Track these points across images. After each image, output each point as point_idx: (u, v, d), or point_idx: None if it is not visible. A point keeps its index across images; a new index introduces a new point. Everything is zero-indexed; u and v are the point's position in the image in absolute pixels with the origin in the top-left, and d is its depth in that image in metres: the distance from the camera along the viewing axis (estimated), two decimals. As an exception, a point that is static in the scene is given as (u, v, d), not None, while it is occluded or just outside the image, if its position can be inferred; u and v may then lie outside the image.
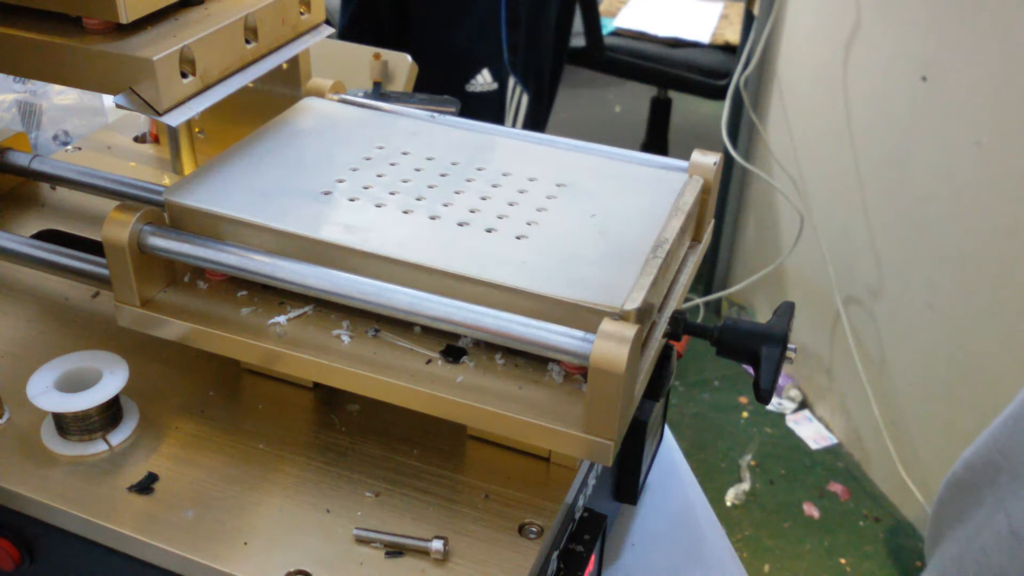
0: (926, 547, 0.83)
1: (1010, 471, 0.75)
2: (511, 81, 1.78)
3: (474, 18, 1.71)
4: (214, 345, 0.57)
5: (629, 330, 0.48)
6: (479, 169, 0.64)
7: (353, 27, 1.70)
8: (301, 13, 0.69)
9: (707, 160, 0.63)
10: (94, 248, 0.63)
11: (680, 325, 0.57)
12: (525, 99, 1.82)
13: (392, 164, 0.64)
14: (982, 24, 1.39)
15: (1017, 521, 0.73)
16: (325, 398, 0.61)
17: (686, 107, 2.80)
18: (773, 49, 1.90)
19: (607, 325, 0.48)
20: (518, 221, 0.58)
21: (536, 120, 1.88)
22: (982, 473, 0.78)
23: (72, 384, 0.57)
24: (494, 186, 0.62)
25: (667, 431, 0.78)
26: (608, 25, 2.30)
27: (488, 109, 1.73)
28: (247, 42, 0.64)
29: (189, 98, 0.60)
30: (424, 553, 0.51)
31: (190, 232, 0.58)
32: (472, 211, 0.59)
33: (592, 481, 0.60)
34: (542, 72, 1.86)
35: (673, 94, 2.37)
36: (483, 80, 1.71)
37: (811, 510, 1.74)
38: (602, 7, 2.36)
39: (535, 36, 1.77)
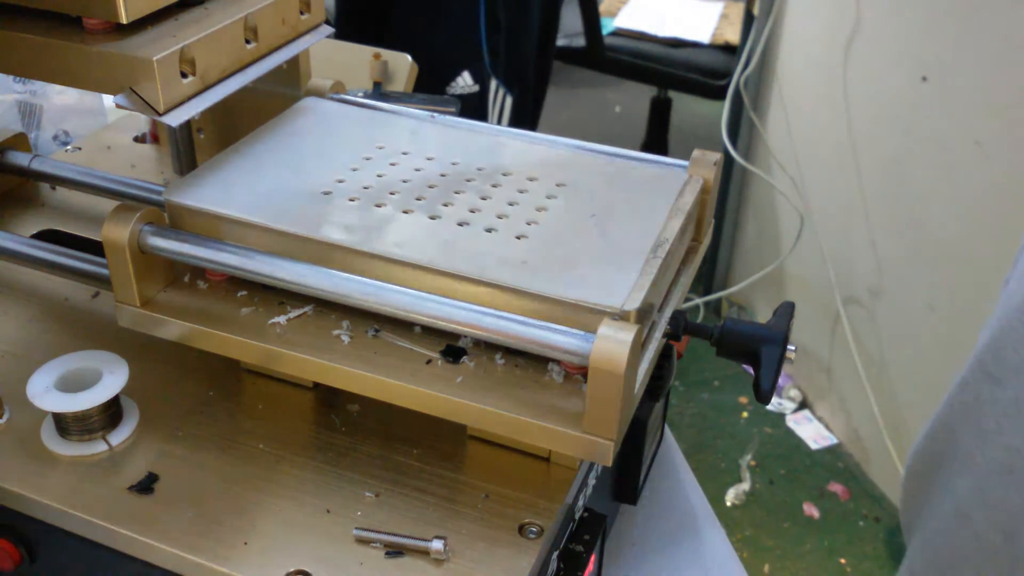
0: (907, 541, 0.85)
1: (952, 454, 0.77)
2: (493, 84, 1.80)
3: (453, 22, 1.73)
4: (214, 345, 0.57)
5: (629, 330, 0.48)
6: (479, 169, 0.64)
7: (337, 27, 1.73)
8: (301, 13, 0.69)
9: (707, 160, 0.63)
10: (94, 248, 0.63)
11: (680, 325, 0.57)
12: (509, 101, 1.84)
13: (392, 164, 0.64)
14: (982, 24, 1.39)
15: (961, 500, 0.75)
16: (325, 398, 0.61)
17: (686, 107, 2.80)
18: (773, 49, 1.90)
19: (607, 325, 0.48)
20: (518, 221, 0.58)
21: (522, 121, 1.90)
22: (930, 463, 0.81)
23: (72, 384, 0.57)
24: (494, 186, 0.62)
25: (667, 431, 0.78)
26: (608, 25, 2.30)
27: (469, 111, 1.75)
28: (247, 42, 0.64)
29: (189, 98, 0.60)
30: (424, 553, 0.51)
31: (190, 232, 0.58)
32: (472, 211, 0.59)
33: (592, 481, 0.60)
34: (526, 73, 1.87)
35: (673, 94, 2.37)
36: (463, 83, 1.73)
37: (811, 510, 1.74)
38: (602, 7, 2.36)
39: (517, 39, 1.79)
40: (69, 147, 0.88)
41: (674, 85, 2.26)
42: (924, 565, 0.79)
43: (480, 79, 1.77)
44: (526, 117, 1.92)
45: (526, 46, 1.83)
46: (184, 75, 0.59)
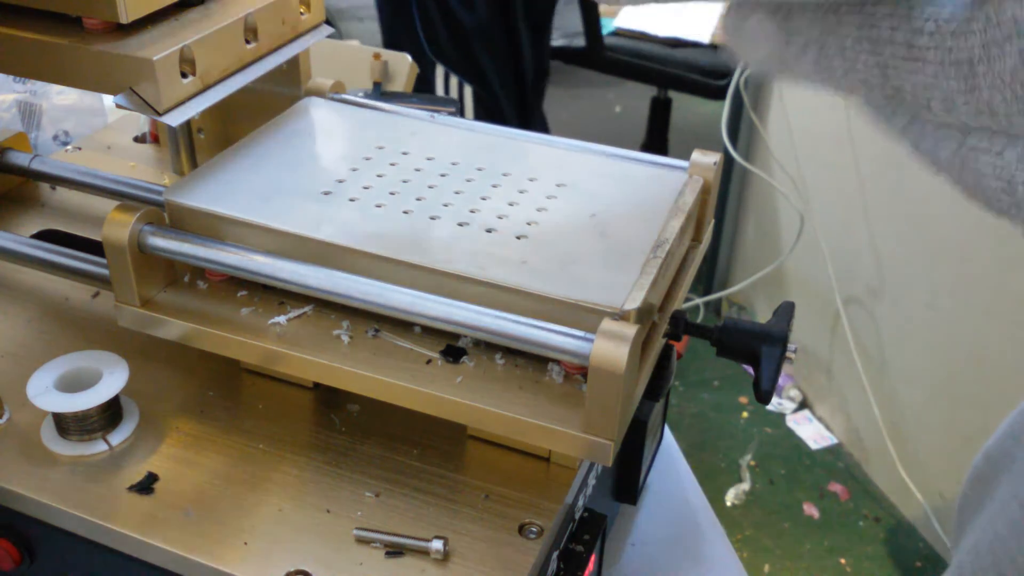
0: (950, 544, 0.82)
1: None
2: (440, 70, 1.85)
3: (389, 4, 1.85)
4: (214, 345, 0.57)
5: (629, 330, 0.48)
6: (479, 169, 0.64)
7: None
8: (301, 13, 0.69)
9: (707, 160, 0.63)
10: (94, 248, 0.63)
11: (680, 325, 0.57)
12: (468, 89, 1.88)
13: (392, 164, 0.64)
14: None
15: None
16: (325, 398, 0.61)
17: (686, 107, 2.80)
18: (773, 49, 1.89)
19: (607, 325, 0.48)
20: (518, 221, 0.58)
21: (494, 116, 1.92)
22: (999, 462, 0.77)
23: (72, 384, 0.57)
24: (494, 186, 0.62)
25: (667, 431, 0.78)
26: (608, 25, 2.30)
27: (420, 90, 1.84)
28: (247, 42, 0.64)
29: (189, 98, 0.60)
30: (424, 553, 0.51)
31: (190, 232, 0.58)
32: (472, 211, 0.59)
33: (592, 481, 0.60)
34: (480, 68, 1.89)
35: (673, 94, 2.37)
36: None
37: (811, 510, 1.74)
38: (602, 7, 2.36)
39: (459, 33, 1.83)
40: (69, 147, 0.88)
41: (674, 85, 2.26)
42: (980, 568, 0.77)
43: (421, 63, 1.83)
44: (498, 115, 1.94)
45: (471, 42, 1.86)
46: (184, 75, 0.59)
